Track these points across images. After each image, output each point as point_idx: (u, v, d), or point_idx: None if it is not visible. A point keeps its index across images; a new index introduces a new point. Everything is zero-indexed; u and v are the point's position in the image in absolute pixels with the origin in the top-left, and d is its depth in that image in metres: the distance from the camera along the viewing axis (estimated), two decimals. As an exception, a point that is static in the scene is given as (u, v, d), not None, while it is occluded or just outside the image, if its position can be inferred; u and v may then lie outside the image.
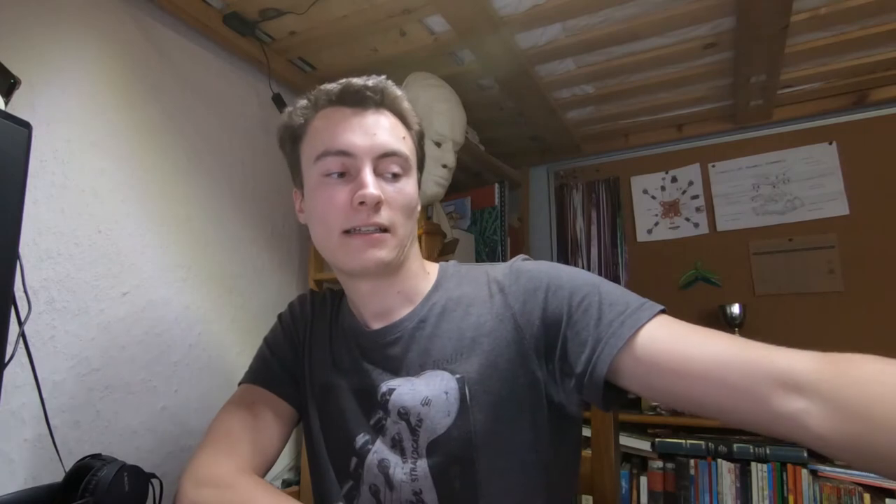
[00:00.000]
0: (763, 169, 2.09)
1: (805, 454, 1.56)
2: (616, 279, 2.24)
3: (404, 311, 0.72)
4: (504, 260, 1.99)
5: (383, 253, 0.65)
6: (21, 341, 0.68)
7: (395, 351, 0.70)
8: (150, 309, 1.22)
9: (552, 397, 0.65)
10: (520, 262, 0.71)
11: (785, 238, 2.02)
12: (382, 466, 0.65)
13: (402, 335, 0.70)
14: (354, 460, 0.68)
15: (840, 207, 1.95)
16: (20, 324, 0.68)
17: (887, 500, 1.47)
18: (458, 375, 0.64)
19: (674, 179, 2.26)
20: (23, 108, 0.98)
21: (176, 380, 1.26)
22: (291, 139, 0.73)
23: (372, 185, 0.64)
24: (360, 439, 0.68)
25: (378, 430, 0.67)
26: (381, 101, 0.70)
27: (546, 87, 1.80)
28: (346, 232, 0.65)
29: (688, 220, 2.20)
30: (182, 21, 1.36)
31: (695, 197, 2.20)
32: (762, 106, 1.96)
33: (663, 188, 2.27)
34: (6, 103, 0.71)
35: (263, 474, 0.69)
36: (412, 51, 1.56)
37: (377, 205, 0.64)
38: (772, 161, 2.08)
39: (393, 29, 1.47)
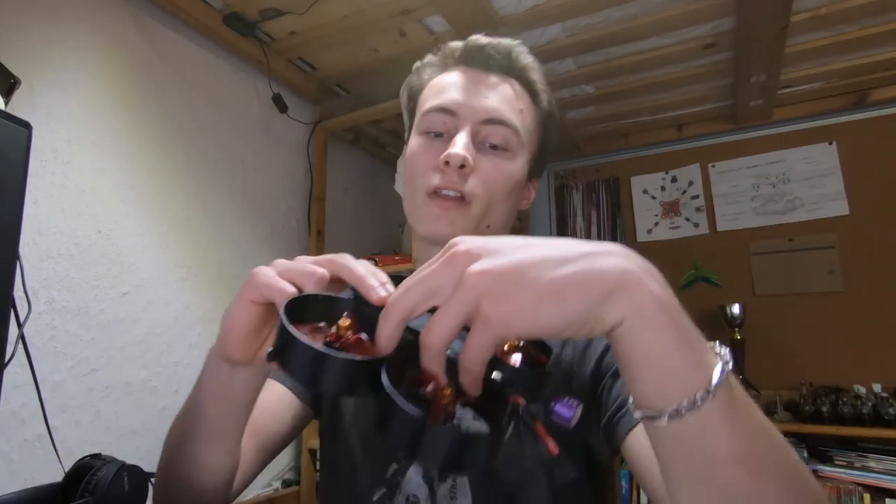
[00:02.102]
0: (763, 169, 2.09)
1: (805, 453, 1.56)
2: (616, 279, 2.24)
3: None
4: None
5: (453, 226, 0.59)
6: (21, 342, 0.68)
7: None
8: (150, 309, 1.22)
9: (591, 444, 0.60)
10: None
11: (785, 238, 2.02)
12: (428, 477, 0.60)
13: None
14: (394, 467, 0.62)
15: (840, 207, 1.95)
16: (19, 325, 0.68)
17: (887, 500, 1.47)
18: None
19: (674, 179, 2.26)
20: (23, 108, 0.98)
21: (176, 380, 1.26)
22: (410, 97, 0.68)
23: (461, 146, 0.57)
24: None
25: None
26: (507, 66, 0.63)
27: (546, 87, 1.80)
28: (430, 195, 0.60)
29: (688, 220, 2.20)
30: (182, 21, 1.36)
31: (695, 197, 2.20)
32: (762, 106, 1.96)
33: (663, 188, 2.27)
34: (6, 103, 0.71)
35: (264, 459, 0.64)
36: (412, 51, 1.55)
37: (462, 168, 0.58)
38: (772, 161, 2.08)
39: (393, 29, 1.47)
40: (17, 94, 0.78)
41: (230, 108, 1.51)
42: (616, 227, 2.33)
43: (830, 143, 1.99)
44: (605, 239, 2.33)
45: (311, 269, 0.40)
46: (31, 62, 1.03)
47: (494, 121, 0.60)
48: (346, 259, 0.40)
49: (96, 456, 0.72)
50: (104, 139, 1.16)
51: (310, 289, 0.39)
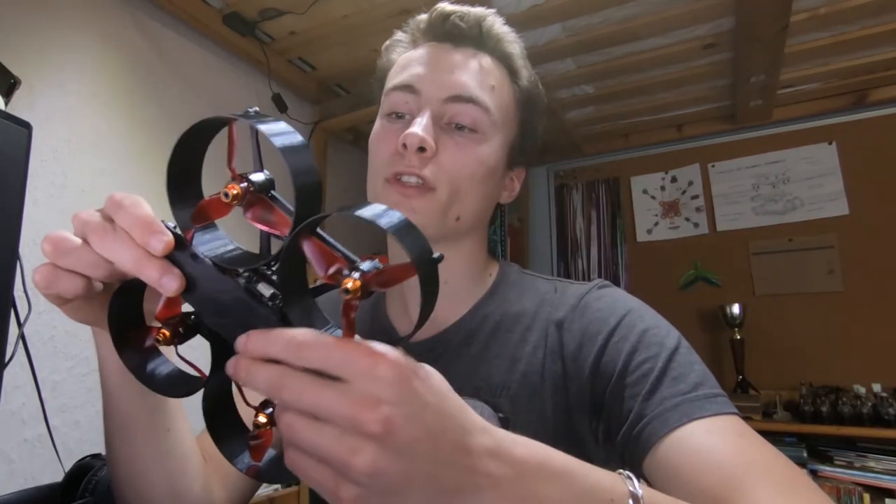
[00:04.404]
0: (763, 169, 2.09)
1: (805, 454, 1.56)
2: (616, 279, 2.25)
3: (451, 318, 0.59)
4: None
5: (416, 215, 0.52)
6: (21, 342, 0.68)
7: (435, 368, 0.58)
8: (149, 309, 1.22)
9: (591, 457, 0.53)
10: (594, 293, 0.57)
11: (785, 238, 2.02)
12: None
13: (444, 351, 0.58)
14: None
15: (840, 207, 1.95)
16: (19, 325, 0.68)
17: (887, 500, 1.47)
18: (501, 415, 0.53)
19: (674, 179, 2.26)
20: (23, 108, 0.98)
21: (176, 380, 1.26)
22: (378, 79, 0.63)
23: (420, 127, 0.52)
24: None
25: None
26: (478, 38, 0.58)
27: (546, 87, 1.80)
28: (389, 181, 0.54)
29: (688, 220, 2.20)
30: (182, 21, 1.36)
31: (695, 197, 2.20)
32: (762, 106, 1.96)
33: (663, 188, 2.27)
34: (6, 103, 0.71)
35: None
36: (412, 51, 1.56)
37: (422, 152, 0.52)
38: (771, 161, 2.08)
39: (393, 29, 1.47)
40: (17, 94, 0.78)
41: (230, 108, 1.51)
42: (616, 227, 2.33)
43: (830, 143, 1.99)
44: (604, 239, 2.33)
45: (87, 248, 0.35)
46: (31, 62, 1.03)
47: (461, 98, 0.54)
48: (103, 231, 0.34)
49: (96, 456, 0.72)
50: (104, 139, 1.16)
51: (95, 273, 0.35)
